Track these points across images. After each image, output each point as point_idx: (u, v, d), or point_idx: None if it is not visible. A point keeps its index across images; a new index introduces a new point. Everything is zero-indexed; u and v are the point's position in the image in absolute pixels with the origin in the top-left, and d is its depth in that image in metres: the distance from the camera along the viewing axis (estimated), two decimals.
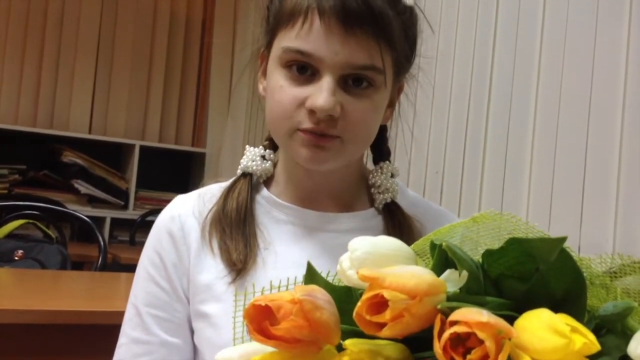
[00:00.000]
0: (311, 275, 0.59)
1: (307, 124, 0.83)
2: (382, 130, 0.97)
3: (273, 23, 0.88)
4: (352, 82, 0.84)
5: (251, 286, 0.74)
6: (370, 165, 1.02)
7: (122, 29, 4.00)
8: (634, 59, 1.61)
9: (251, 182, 0.97)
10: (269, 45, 0.89)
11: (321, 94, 0.81)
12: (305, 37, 0.82)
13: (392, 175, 0.98)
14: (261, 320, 0.50)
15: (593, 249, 1.57)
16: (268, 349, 0.53)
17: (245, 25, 3.97)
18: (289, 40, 0.83)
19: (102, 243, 2.37)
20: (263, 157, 0.98)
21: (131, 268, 2.47)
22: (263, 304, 0.49)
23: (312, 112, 0.82)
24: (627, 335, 0.50)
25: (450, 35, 2.18)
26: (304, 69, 0.83)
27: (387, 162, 0.99)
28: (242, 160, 0.98)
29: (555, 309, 0.48)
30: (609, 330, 0.52)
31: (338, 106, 0.82)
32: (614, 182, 1.62)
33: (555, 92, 1.83)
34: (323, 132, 0.83)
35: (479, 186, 2.07)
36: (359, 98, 0.84)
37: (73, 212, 2.66)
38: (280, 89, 0.85)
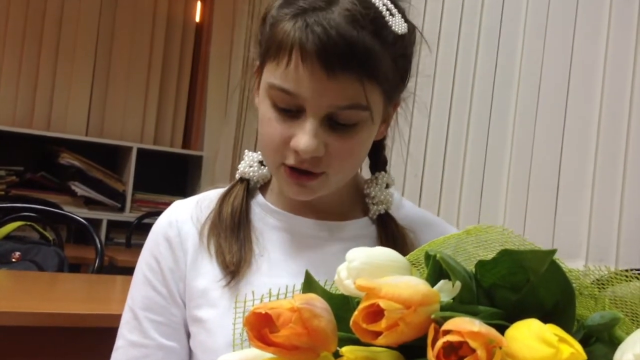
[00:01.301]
0: (309, 284, 0.61)
1: (291, 161, 0.85)
2: (379, 141, 0.98)
3: (264, 49, 0.87)
4: (336, 120, 0.84)
5: (246, 291, 0.76)
6: (366, 171, 1.03)
7: (119, 32, 4.01)
8: (611, 67, 1.63)
9: (248, 188, 0.98)
10: (260, 67, 0.90)
11: (304, 136, 0.82)
12: (289, 77, 0.82)
13: (387, 186, 1.00)
14: (261, 328, 0.51)
15: (566, 254, 1.59)
16: (266, 355, 0.55)
17: (243, 30, 3.99)
18: (274, 77, 0.84)
19: (98, 245, 2.37)
20: (261, 162, 0.99)
21: (128, 271, 2.48)
22: (263, 312, 0.51)
23: (296, 151, 0.84)
24: (614, 345, 0.52)
25: (432, 43, 2.20)
26: (289, 106, 0.84)
27: (383, 172, 1.00)
28: (239, 166, 0.99)
29: (546, 318, 0.50)
30: (598, 339, 0.54)
31: (322, 146, 0.83)
32: (588, 190, 1.64)
33: (533, 101, 1.86)
34: (307, 169, 0.85)
35: (458, 190, 2.10)
36: (343, 136, 0.84)
37: (70, 214, 2.66)
38: (268, 121, 0.86)
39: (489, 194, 1.98)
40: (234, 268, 0.90)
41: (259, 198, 0.98)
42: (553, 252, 0.52)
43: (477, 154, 2.05)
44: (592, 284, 0.58)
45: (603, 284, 0.58)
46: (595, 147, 1.64)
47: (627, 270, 0.57)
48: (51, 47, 3.84)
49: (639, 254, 1.53)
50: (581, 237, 1.64)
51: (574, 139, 1.71)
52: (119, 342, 0.95)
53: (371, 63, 0.81)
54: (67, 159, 3.74)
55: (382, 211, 0.97)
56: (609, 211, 1.58)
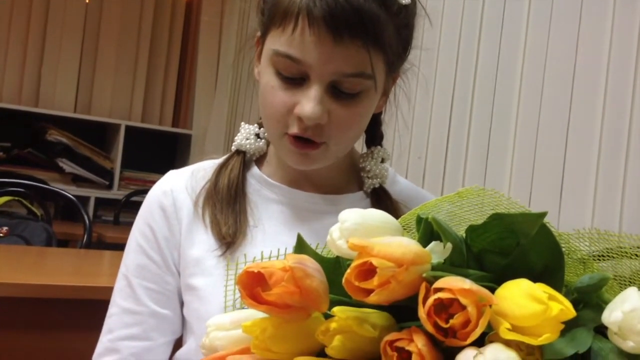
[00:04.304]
0: (301, 247, 0.61)
1: (294, 129, 0.85)
2: (376, 115, 0.99)
3: (267, 17, 0.87)
4: (340, 88, 0.84)
5: (240, 259, 0.76)
6: (363, 146, 1.03)
7: (108, 8, 3.97)
8: (616, 46, 1.63)
9: (244, 160, 0.98)
10: (263, 36, 0.90)
11: (308, 103, 0.83)
12: (295, 43, 0.82)
13: (383, 160, 1.00)
14: (253, 287, 0.52)
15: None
16: (258, 316, 0.55)
17: (233, 7, 3.96)
18: (279, 44, 0.84)
19: (87, 221, 2.37)
20: (257, 135, 0.99)
21: (116, 247, 2.48)
22: (256, 271, 0.51)
23: (300, 118, 0.84)
24: (601, 308, 0.52)
25: (435, 23, 2.20)
26: (293, 74, 0.84)
27: (379, 146, 1.01)
28: (236, 138, 1.00)
29: (535, 282, 0.51)
30: (585, 304, 0.55)
31: (325, 114, 0.84)
32: (593, 169, 1.65)
33: (538, 80, 1.85)
34: (309, 137, 0.85)
35: (462, 172, 2.10)
36: (347, 105, 0.85)
37: (59, 190, 2.66)
38: (271, 89, 0.86)
39: (492, 177, 1.98)
40: (230, 239, 0.90)
41: (255, 170, 0.99)
42: (543, 214, 0.52)
43: (480, 138, 2.04)
44: (592, 257, 0.58)
45: (601, 257, 0.58)
46: (599, 130, 1.64)
47: (621, 247, 0.58)
48: (39, 23, 3.80)
49: None
50: (585, 221, 1.64)
51: (580, 120, 1.71)
52: (112, 309, 0.95)
53: (377, 31, 0.82)
54: (55, 135, 3.71)
55: (377, 185, 0.98)
56: (613, 196, 1.59)
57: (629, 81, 1.58)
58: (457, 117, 2.15)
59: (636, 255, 0.57)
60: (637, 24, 1.58)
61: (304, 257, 0.53)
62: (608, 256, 0.58)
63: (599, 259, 0.58)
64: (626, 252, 0.57)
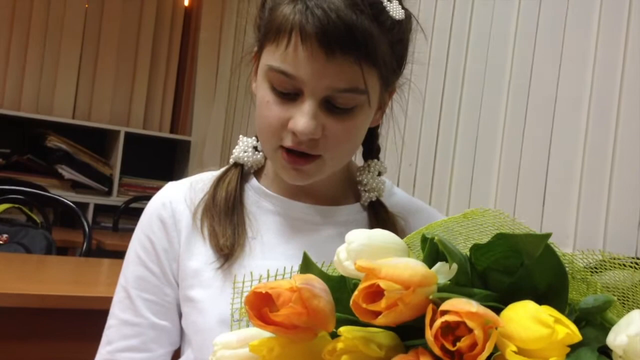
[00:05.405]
0: (307, 265, 0.62)
1: (289, 143, 0.86)
2: (373, 128, 0.99)
3: (263, 33, 0.88)
4: (334, 103, 0.85)
5: (239, 273, 0.76)
6: (360, 157, 1.03)
7: (108, 15, 3.98)
8: (600, 59, 1.65)
9: (242, 172, 0.99)
10: (259, 52, 0.91)
11: (302, 118, 0.83)
12: (288, 59, 0.83)
13: (380, 174, 1.01)
14: (261, 307, 0.52)
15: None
16: (265, 334, 0.56)
17: (233, 15, 3.97)
18: (274, 59, 0.85)
19: (86, 228, 2.37)
20: (255, 148, 1.00)
21: (115, 254, 2.47)
22: (263, 292, 0.51)
23: (294, 133, 0.85)
24: (605, 328, 0.53)
25: (425, 33, 2.24)
26: (287, 89, 0.85)
27: (376, 159, 1.01)
28: (234, 150, 1.00)
29: (539, 301, 0.51)
30: (588, 322, 0.55)
31: (319, 129, 0.84)
32: (576, 183, 1.67)
33: (523, 91, 1.89)
34: (304, 151, 0.86)
35: (449, 179, 2.15)
36: (341, 119, 0.86)
37: (58, 197, 2.66)
38: (266, 104, 0.87)
39: (479, 185, 2.02)
40: (228, 251, 0.91)
41: (253, 182, 0.99)
42: (548, 235, 0.53)
43: (467, 148, 2.08)
44: (584, 268, 0.59)
45: (595, 269, 0.59)
46: (584, 139, 1.66)
47: (617, 258, 0.58)
48: (39, 29, 3.81)
49: (626, 247, 1.55)
50: (568, 228, 1.66)
51: (564, 130, 1.74)
52: (111, 321, 0.96)
53: (370, 47, 0.82)
54: (55, 142, 3.71)
55: (374, 198, 0.99)
56: (597, 203, 1.61)
57: (614, 95, 1.60)
58: (445, 128, 2.20)
59: (630, 265, 0.57)
60: (622, 41, 1.60)
61: (311, 277, 0.54)
62: (606, 268, 0.59)
63: (591, 271, 0.59)
64: (618, 264, 0.58)
